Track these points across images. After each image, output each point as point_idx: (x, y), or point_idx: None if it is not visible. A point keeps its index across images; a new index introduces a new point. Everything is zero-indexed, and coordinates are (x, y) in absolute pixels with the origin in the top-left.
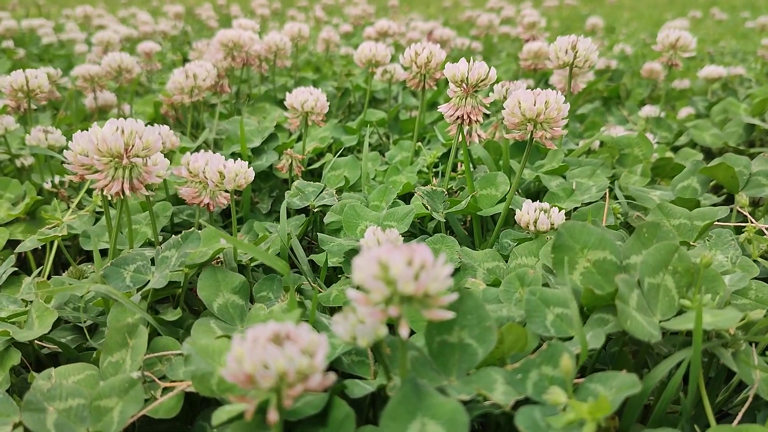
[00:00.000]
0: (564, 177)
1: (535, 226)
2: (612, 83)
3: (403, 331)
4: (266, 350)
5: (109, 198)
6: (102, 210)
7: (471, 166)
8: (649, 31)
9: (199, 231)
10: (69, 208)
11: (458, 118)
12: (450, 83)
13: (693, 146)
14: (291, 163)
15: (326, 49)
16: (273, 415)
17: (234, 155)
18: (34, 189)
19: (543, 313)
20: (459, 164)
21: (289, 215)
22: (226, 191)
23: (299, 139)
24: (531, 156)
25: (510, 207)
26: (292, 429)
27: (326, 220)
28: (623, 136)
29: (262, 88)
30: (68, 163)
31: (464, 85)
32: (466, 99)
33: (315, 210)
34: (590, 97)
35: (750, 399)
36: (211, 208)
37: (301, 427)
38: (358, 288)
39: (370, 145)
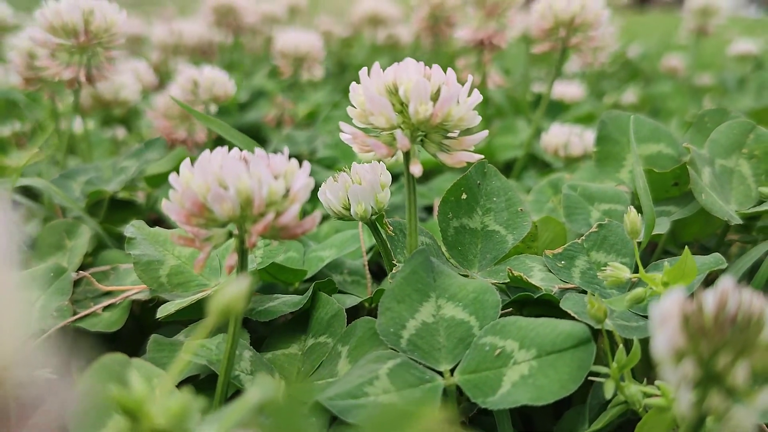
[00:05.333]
0: None
1: (566, 151)
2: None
3: (415, 168)
4: (225, 166)
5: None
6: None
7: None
8: None
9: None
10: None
11: (479, 42)
12: (470, 3)
13: None
14: (282, 115)
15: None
16: (231, 260)
17: (221, 109)
18: None
19: (586, 210)
20: None
21: None
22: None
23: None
24: (551, 111)
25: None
26: (266, 335)
27: (319, 155)
28: (657, 90)
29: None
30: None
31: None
32: (488, 21)
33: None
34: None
35: None
36: (189, 144)
37: (279, 332)
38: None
39: None
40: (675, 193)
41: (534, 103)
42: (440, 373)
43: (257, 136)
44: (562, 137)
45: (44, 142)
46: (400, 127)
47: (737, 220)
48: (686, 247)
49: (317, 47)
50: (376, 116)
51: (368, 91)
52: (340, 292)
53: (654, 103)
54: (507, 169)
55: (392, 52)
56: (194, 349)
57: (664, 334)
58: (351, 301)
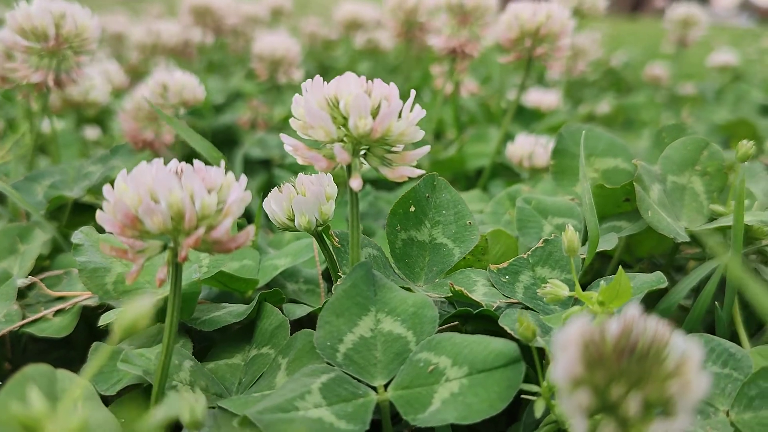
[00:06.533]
0: None
1: (530, 162)
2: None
3: (354, 182)
4: (157, 179)
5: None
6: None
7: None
8: None
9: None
10: None
11: (452, 50)
12: (444, 11)
13: None
14: (255, 119)
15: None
16: (162, 273)
17: (195, 111)
18: None
19: (539, 223)
20: None
21: (252, 173)
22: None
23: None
24: (526, 119)
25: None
26: (211, 346)
27: (290, 160)
28: (630, 101)
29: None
30: None
31: (459, 13)
32: (461, 29)
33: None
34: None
35: None
36: (155, 146)
37: (225, 342)
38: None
39: None
40: (627, 208)
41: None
42: (374, 389)
43: (231, 138)
44: (527, 147)
45: (15, 143)
46: (342, 140)
47: (684, 238)
48: (620, 267)
49: (294, 51)
50: (315, 129)
51: (308, 104)
52: (294, 301)
53: (628, 114)
54: (477, 177)
55: (374, 57)
56: (132, 358)
57: (563, 361)
58: (301, 311)
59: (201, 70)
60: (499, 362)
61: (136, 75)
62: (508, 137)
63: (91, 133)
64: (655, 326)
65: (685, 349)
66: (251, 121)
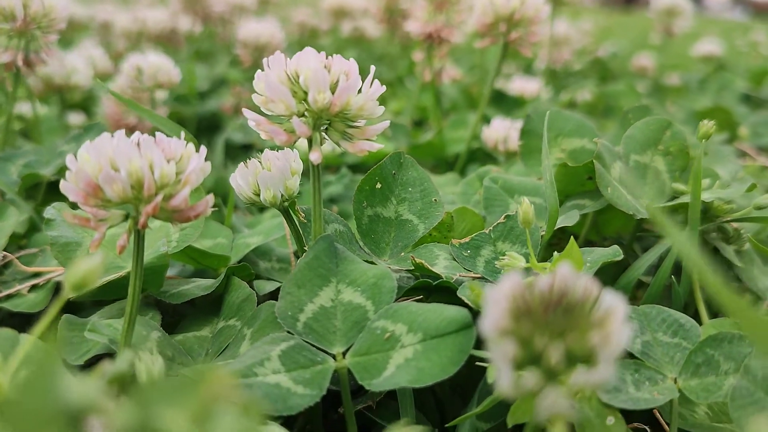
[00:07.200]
0: None
1: (505, 145)
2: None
3: (314, 155)
4: (118, 149)
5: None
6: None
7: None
8: None
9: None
10: None
11: (428, 36)
12: None
13: None
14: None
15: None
16: (122, 240)
17: (180, 98)
18: None
19: (505, 202)
20: None
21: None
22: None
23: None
24: (509, 106)
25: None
26: (179, 320)
27: (269, 144)
28: (611, 88)
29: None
30: None
31: None
32: (437, 15)
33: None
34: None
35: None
36: (139, 130)
37: (195, 315)
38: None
39: None
40: (590, 186)
41: (492, 98)
42: (333, 356)
43: (215, 124)
44: (502, 131)
45: None
46: (303, 115)
47: (643, 214)
48: (572, 238)
49: (278, 37)
50: (276, 103)
51: (268, 78)
52: (261, 278)
53: (608, 101)
54: (456, 161)
55: (361, 45)
56: (100, 328)
57: (491, 313)
58: (271, 286)
59: (188, 58)
60: (451, 328)
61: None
62: (487, 122)
63: (76, 118)
64: (584, 283)
65: (610, 304)
66: (235, 107)
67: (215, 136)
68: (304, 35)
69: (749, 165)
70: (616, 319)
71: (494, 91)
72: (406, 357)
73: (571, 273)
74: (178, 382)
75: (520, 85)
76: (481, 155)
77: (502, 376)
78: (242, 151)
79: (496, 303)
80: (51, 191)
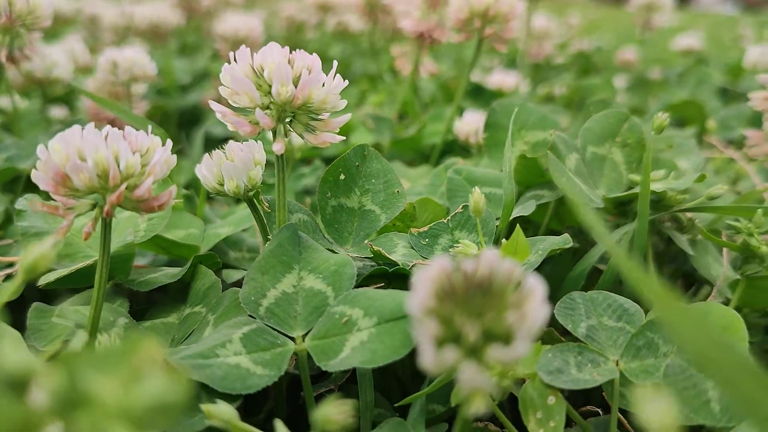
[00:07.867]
0: None
1: (477, 138)
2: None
3: (277, 146)
4: (85, 140)
5: None
6: None
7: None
8: None
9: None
10: None
11: (420, 34)
12: None
13: None
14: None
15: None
16: (88, 227)
17: (162, 91)
18: None
19: (468, 193)
20: None
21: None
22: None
23: None
24: (487, 99)
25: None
26: (149, 307)
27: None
28: (587, 82)
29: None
30: None
31: None
32: (431, 14)
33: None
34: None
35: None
36: (117, 124)
37: (163, 303)
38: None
39: None
40: (549, 177)
41: (471, 92)
42: (293, 339)
43: (197, 117)
44: (473, 124)
45: None
46: (268, 107)
47: (598, 204)
48: (517, 225)
49: (257, 31)
50: (240, 96)
51: (234, 71)
52: (230, 267)
53: (584, 95)
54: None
55: (346, 39)
56: (67, 313)
57: (417, 293)
58: (238, 275)
59: (172, 52)
60: (403, 312)
61: None
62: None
63: (58, 112)
64: (508, 266)
65: (530, 286)
66: (216, 101)
67: (196, 130)
68: (292, 30)
69: (716, 157)
70: (533, 300)
71: (472, 84)
72: (361, 340)
73: (496, 257)
74: (109, 350)
75: (498, 78)
76: (457, 148)
77: (425, 353)
78: (222, 144)
79: (422, 284)
80: (30, 185)
